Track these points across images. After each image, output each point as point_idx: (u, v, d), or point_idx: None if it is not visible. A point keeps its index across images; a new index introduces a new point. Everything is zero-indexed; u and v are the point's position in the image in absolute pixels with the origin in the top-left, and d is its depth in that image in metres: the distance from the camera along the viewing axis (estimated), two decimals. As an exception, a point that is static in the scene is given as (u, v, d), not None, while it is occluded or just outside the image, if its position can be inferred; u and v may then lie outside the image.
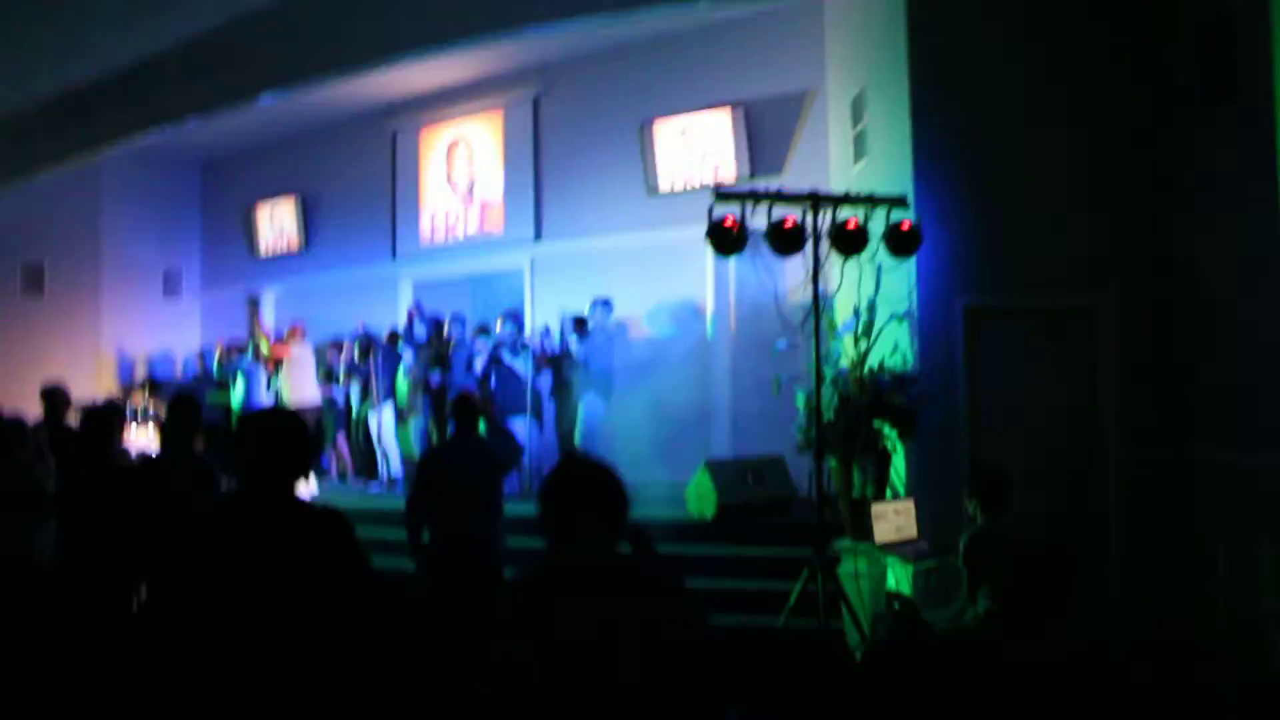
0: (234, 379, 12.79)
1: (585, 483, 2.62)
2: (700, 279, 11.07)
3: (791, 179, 9.60)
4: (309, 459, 3.20)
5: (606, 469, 2.67)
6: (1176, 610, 7.25)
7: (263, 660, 2.72)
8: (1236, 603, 6.85)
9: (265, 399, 12.54)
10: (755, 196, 6.52)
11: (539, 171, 12.74)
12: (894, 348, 7.70)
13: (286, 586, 2.84)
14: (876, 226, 7.01)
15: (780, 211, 6.63)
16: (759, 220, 6.72)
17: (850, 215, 6.76)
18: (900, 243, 6.89)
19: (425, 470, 6.48)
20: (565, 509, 2.59)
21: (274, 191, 15.29)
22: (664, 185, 11.45)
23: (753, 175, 10.76)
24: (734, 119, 11.06)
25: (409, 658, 3.32)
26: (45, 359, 14.29)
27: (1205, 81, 7.07)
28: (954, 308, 7.54)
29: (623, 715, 2.44)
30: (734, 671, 5.14)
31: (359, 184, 14.41)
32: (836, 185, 8.73)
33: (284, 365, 12.02)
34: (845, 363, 7.64)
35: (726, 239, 6.46)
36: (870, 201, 6.87)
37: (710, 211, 6.49)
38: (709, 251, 6.84)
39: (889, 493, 7.64)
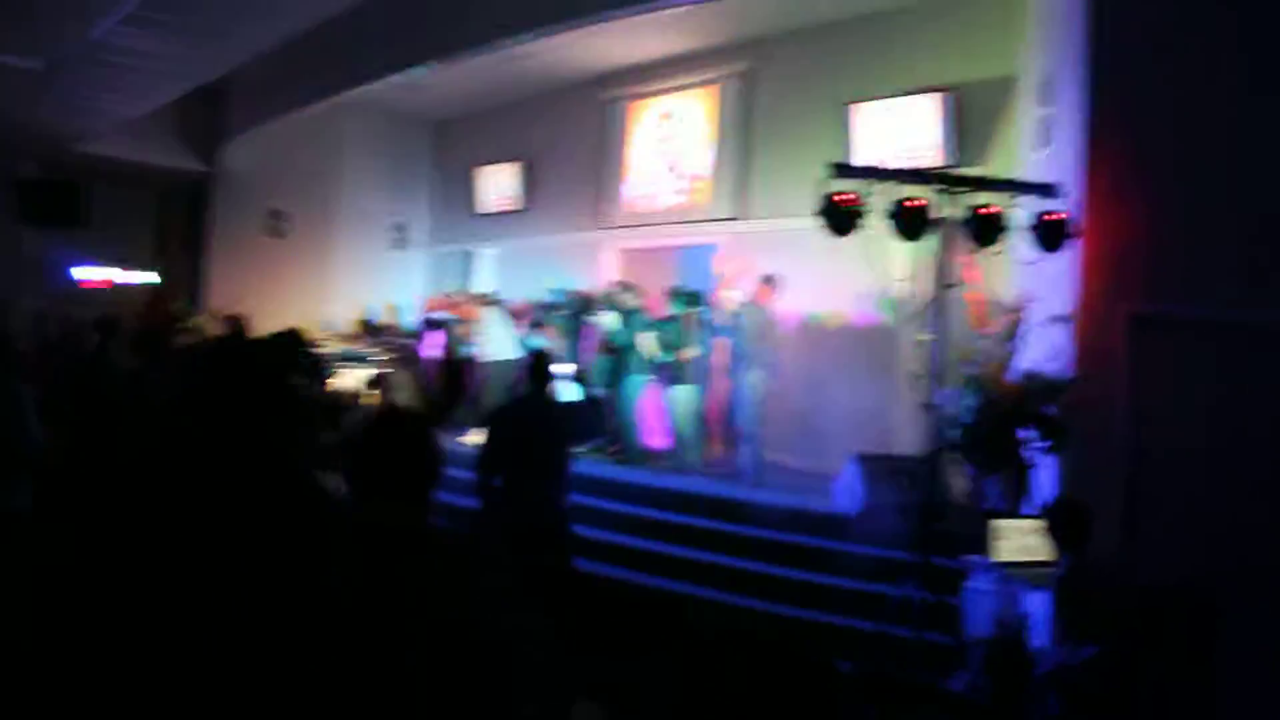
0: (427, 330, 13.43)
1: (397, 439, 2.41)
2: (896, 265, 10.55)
3: (997, 169, 9.01)
4: None
5: (419, 425, 2.44)
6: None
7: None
8: None
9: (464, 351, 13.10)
10: (879, 174, 6.10)
11: (745, 148, 12.53)
12: (1052, 353, 7.07)
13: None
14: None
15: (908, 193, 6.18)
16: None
17: (991, 201, 6.21)
18: (1048, 235, 6.29)
19: (494, 425, 6.45)
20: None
21: (498, 156, 15.75)
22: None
23: (959, 163, 10.16)
24: (941, 105, 10.47)
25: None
26: (283, 296, 15.33)
27: None
28: (1116, 314, 6.84)
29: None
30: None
31: (574, 152, 14.66)
32: (1023, 174, 8.11)
33: (473, 325, 12.46)
34: (992, 365, 7.07)
35: (840, 217, 6.07)
36: (1012, 187, 6.30)
37: (824, 188, 6.11)
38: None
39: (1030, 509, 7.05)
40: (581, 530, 8.66)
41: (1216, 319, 6.69)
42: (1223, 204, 6.74)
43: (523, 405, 6.61)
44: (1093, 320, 6.87)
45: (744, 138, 12.56)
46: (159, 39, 10.13)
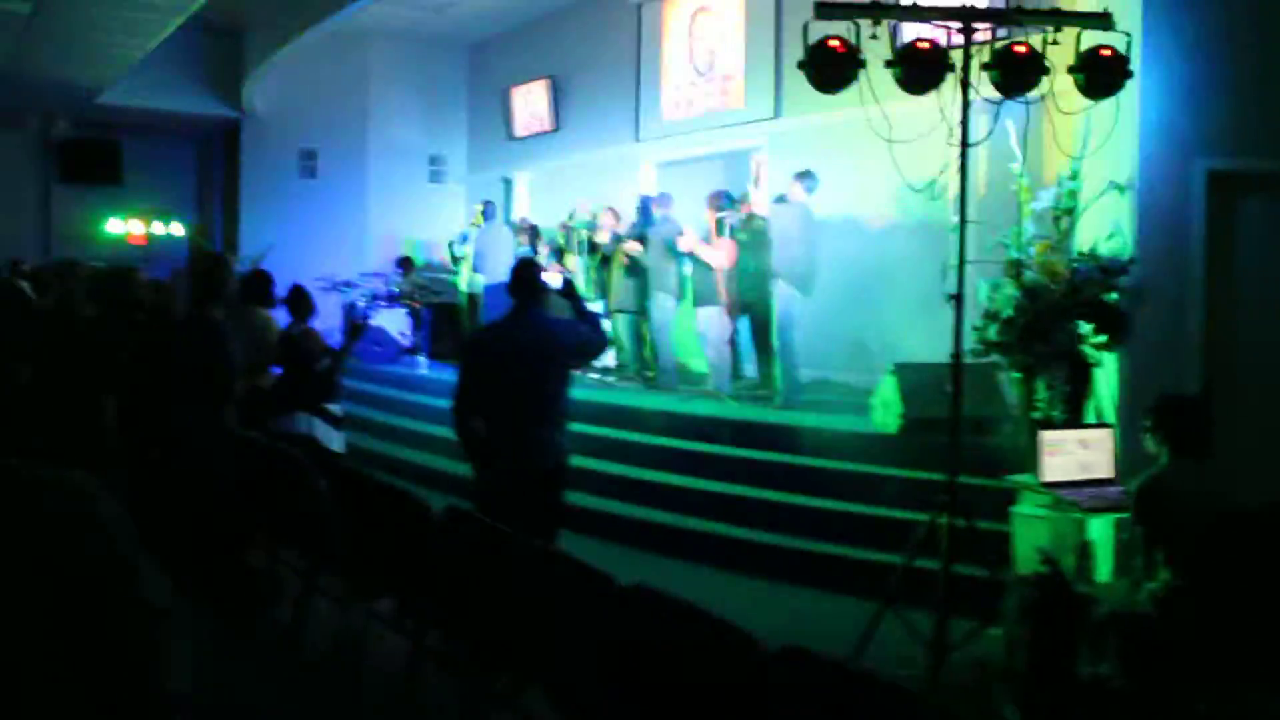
0: (459, 263, 12.62)
1: None
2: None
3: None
4: None
5: None
6: None
7: None
8: None
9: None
10: (879, 10, 4.92)
11: (779, 42, 11.32)
12: (1112, 229, 5.87)
13: None
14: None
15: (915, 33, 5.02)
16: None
17: (1021, 40, 4.98)
18: (1099, 77, 5.01)
19: (468, 355, 5.49)
20: None
21: (529, 74, 14.78)
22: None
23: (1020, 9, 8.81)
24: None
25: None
26: (317, 237, 14.77)
27: None
28: (1192, 173, 5.59)
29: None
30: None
31: (605, 63, 13.59)
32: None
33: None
34: (1036, 246, 5.89)
35: (828, 67, 4.93)
36: (1056, 18, 5.07)
37: (805, 31, 4.95)
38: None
39: (1092, 416, 5.91)
40: (589, 465, 7.78)
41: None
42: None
43: (500, 329, 5.51)
44: (1162, 183, 5.65)
45: (776, 30, 11.33)
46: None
